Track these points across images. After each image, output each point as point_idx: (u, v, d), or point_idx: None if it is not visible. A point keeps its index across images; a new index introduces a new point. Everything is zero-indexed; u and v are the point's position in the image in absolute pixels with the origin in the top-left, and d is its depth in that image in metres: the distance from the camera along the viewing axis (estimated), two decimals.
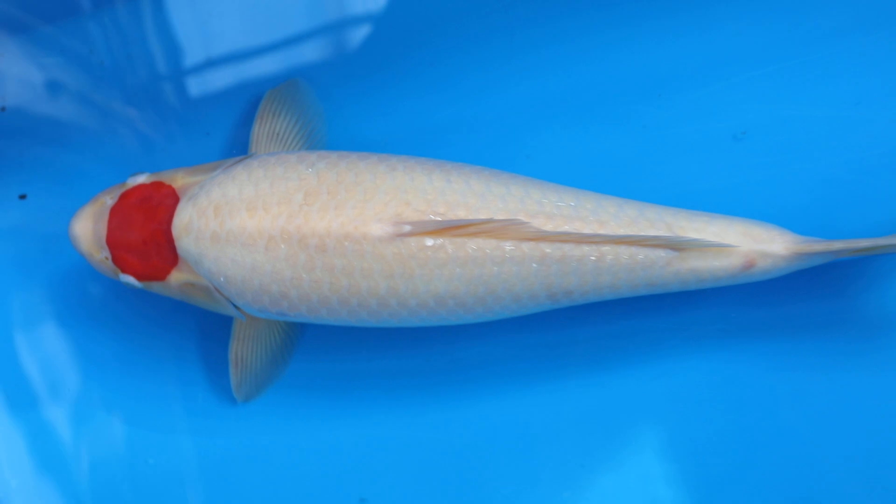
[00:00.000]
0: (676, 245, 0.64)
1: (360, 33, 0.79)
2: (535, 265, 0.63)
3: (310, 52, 0.80)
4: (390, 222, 0.63)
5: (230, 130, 0.80)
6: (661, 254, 0.64)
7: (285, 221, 0.64)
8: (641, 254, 0.64)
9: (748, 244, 0.65)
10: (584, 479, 0.72)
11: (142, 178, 0.70)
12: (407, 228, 0.62)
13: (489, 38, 0.77)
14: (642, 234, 0.64)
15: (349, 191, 0.64)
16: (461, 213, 0.63)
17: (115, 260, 0.69)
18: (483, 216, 0.63)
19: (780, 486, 0.70)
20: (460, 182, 0.65)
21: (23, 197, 0.81)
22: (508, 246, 0.63)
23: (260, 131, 0.75)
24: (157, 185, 0.69)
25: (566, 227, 0.63)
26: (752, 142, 0.72)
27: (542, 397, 0.73)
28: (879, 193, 0.70)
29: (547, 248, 0.63)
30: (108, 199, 0.70)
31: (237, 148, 0.80)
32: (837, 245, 0.64)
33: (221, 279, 0.66)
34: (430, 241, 0.63)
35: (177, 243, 0.66)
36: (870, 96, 0.71)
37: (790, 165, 0.72)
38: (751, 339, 0.71)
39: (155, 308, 0.79)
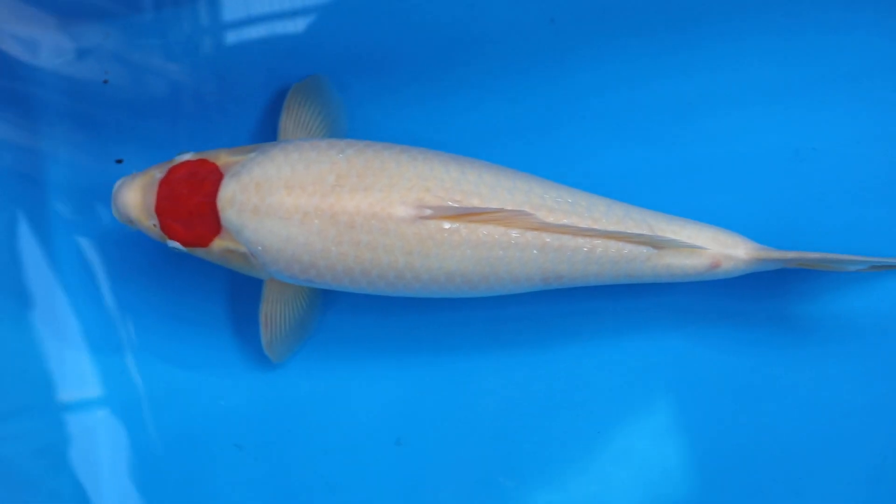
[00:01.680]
0: (656, 243, 0.74)
1: (387, 34, 0.87)
2: (535, 251, 0.73)
3: (333, 51, 0.88)
4: (413, 206, 0.72)
5: (263, 116, 0.89)
6: (642, 250, 0.74)
7: (319, 200, 0.73)
8: (626, 248, 0.74)
9: (716, 247, 0.76)
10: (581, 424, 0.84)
11: (188, 156, 0.79)
12: (428, 212, 0.72)
13: (508, 46, 0.86)
14: (628, 231, 0.74)
15: (376, 176, 0.74)
16: (475, 202, 0.73)
17: (162, 227, 0.77)
18: (494, 205, 0.73)
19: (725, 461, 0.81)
20: (474, 174, 0.75)
21: (119, 161, 0.90)
22: (514, 233, 0.73)
23: (287, 120, 0.84)
24: (202, 163, 0.78)
25: (565, 221, 0.74)
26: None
27: (533, 358, 0.84)
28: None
29: (547, 238, 0.73)
30: (157, 173, 0.78)
31: (268, 133, 0.89)
32: (790, 255, 0.75)
33: (259, 248, 0.75)
34: (447, 225, 0.72)
35: (221, 214, 0.75)
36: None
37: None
38: (708, 325, 0.82)
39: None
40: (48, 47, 0.90)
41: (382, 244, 0.73)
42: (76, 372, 0.89)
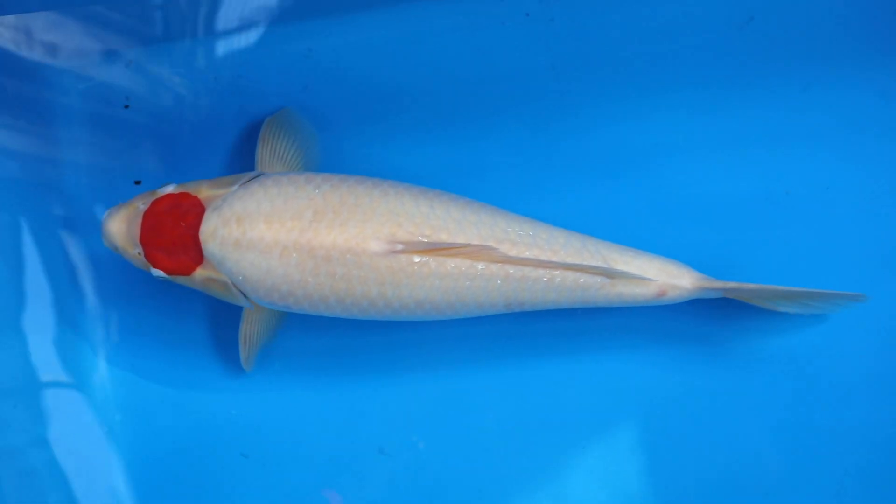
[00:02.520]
0: (609, 274, 0.80)
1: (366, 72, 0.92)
2: (499, 282, 0.79)
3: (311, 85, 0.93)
4: (386, 240, 0.78)
5: (238, 145, 0.94)
6: (596, 279, 0.80)
7: (298, 234, 0.78)
8: (582, 278, 0.80)
9: (663, 277, 0.82)
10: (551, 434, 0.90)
11: (170, 188, 0.83)
12: (400, 247, 0.77)
13: (485, 85, 0.91)
14: (584, 263, 0.80)
15: (350, 211, 0.78)
16: (443, 236, 0.78)
17: (146, 256, 0.82)
18: (461, 239, 0.78)
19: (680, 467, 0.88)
20: (441, 208, 0.80)
21: (138, 182, 0.94)
22: (480, 266, 0.78)
23: (263, 152, 0.88)
24: (184, 196, 0.82)
25: (527, 254, 0.79)
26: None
27: (500, 364, 0.91)
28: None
29: (510, 269, 0.79)
30: (141, 205, 0.82)
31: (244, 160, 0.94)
32: (730, 285, 0.81)
33: (240, 277, 0.80)
34: (417, 259, 0.78)
35: (203, 246, 0.80)
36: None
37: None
38: (654, 345, 0.89)
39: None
40: (73, 73, 0.94)
41: (357, 276, 0.78)
42: (88, 382, 0.94)
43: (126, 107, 0.95)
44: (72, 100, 0.95)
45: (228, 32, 0.93)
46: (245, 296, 0.82)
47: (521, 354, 0.90)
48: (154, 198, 0.82)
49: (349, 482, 0.92)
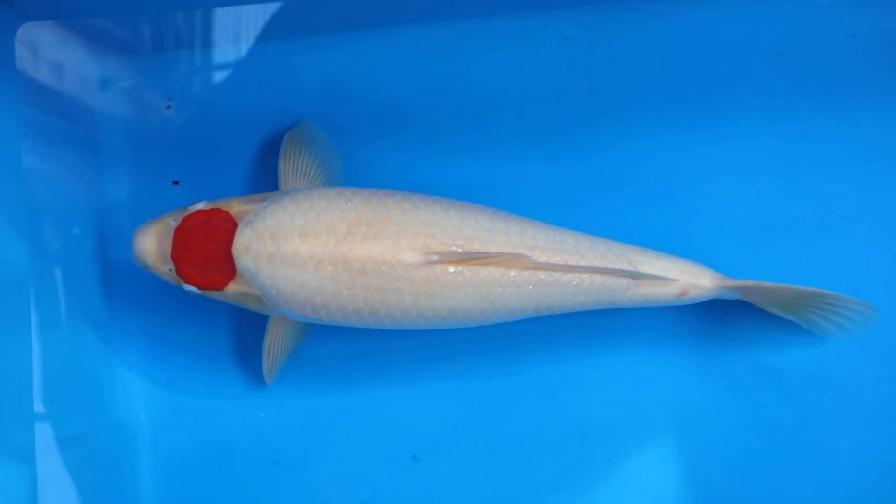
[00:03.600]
0: (634, 276, 0.83)
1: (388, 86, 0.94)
2: (531, 287, 0.81)
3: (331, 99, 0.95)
4: (421, 252, 0.79)
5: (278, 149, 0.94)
6: (623, 281, 0.83)
7: (333, 247, 0.79)
8: (609, 280, 0.82)
9: (685, 278, 0.85)
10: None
11: (201, 205, 0.83)
12: (436, 258, 0.79)
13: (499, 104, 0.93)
14: (611, 266, 0.82)
15: (384, 224, 0.80)
16: (476, 246, 0.80)
17: (178, 272, 0.82)
18: (493, 248, 0.80)
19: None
20: (471, 219, 0.82)
21: (176, 182, 0.95)
22: (513, 273, 0.80)
23: (286, 167, 0.89)
24: (216, 211, 0.83)
25: (556, 259, 0.81)
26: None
27: (527, 366, 0.93)
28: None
29: (542, 275, 0.81)
30: (171, 221, 0.83)
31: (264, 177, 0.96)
32: (749, 284, 0.84)
33: (273, 291, 0.81)
34: (452, 269, 0.79)
35: (236, 261, 0.80)
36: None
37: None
38: (675, 343, 0.92)
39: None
40: (116, 72, 0.95)
41: (392, 287, 0.79)
42: (124, 390, 0.95)
43: (168, 107, 0.95)
44: (114, 98, 0.96)
45: (273, 38, 0.94)
46: (276, 309, 0.83)
47: (544, 355, 0.93)
48: (185, 214, 0.83)
49: (382, 488, 0.93)
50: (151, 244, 0.83)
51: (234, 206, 0.83)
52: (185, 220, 0.83)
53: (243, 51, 0.95)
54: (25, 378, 0.85)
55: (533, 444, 0.92)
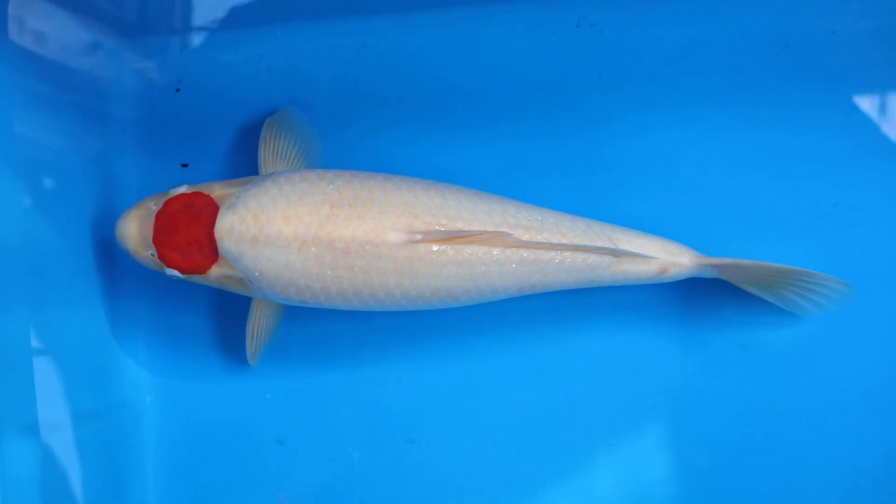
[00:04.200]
0: (615, 253, 0.84)
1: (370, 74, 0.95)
2: (513, 266, 0.82)
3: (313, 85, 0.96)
4: (404, 231, 0.80)
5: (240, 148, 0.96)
6: (604, 259, 0.84)
7: (317, 229, 0.79)
8: (591, 258, 0.83)
9: (664, 256, 0.86)
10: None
11: (182, 189, 0.83)
12: (419, 237, 0.79)
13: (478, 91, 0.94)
14: (591, 244, 0.83)
15: (366, 205, 0.80)
16: (459, 225, 0.81)
17: (160, 256, 0.82)
18: (476, 227, 0.81)
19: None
20: (453, 199, 0.82)
21: (185, 165, 0.96)
22: (496, 251, 0.81)
23: (266, 151, 0.89)
24: (197, 195, 0.83)
25: (538, 238, 0.82)
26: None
27: (512, 346, 0.94)
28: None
29: (524, 253, 0.82)
30: (153, 205, 0.83)
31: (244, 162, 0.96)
32: (726, 261, 0.85)
33: (256, 273, 0.81)
34: (435, 247, 0.80)
35: (219, 244, 0.80)
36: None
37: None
38: (653, 320, 0.93)
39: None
40: (127, 54, 0.96)
41: (376, 267, 0.80)
42: (130, 370, 0.96)
43: (177, 90, 0.95)
44: (124, 80, 0.96)
45: (283, 22, 0.95)
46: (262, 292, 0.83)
47: (524, 335, 0.94)
48: (166, 198, 0.83)
49: (380, 470, 0.94)
50: (132, 229, 0.83)
51: (216, 190, 0.83)
52: (166, 203, 0.82)
53: (253, 35, 0.95)
54: (31, 356, 0.84)
55: (517, 424, 0.93)
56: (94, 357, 0.93)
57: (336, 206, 0.80)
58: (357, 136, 0.95)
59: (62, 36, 0.91)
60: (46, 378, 0.86)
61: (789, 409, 0.90)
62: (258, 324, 0.89)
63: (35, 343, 0.84)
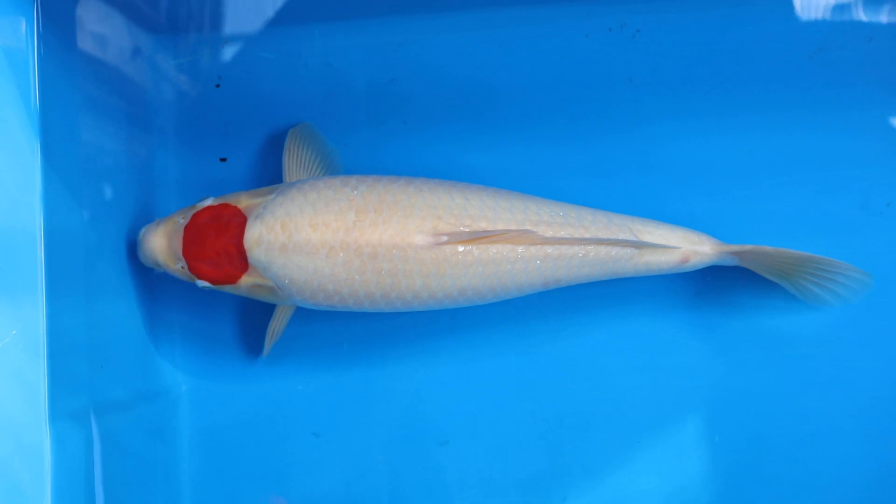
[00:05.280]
0: (637, 245, 0.85)
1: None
2: (538, 262, 0.83)
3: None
4: (429, 233, 0.81)
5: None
6: (626, 251, 0.85)
7: (344, 234, 0.81)
8: (614, 251, 0.84)
9: (686, 245, 0.87)
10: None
11: (209, 201, 0.85)
12: (444, 239, 0.81)
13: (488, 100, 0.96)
14: (613, 237, 0.85)
15: (391, 209, 0.82)
16: (483, 224, 0.82)
17: (191, 269, 0.84)
18: (500, 226, 0.82)
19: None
20: (475, 199, 0.84)
21: (223, 160, 0.97)
22: (521, 249, 0.82)
23: (290, 161, 0.91)
24: (225, 206, 0.84)
25: (562, 233, 0.83)
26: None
27: (538, 339, 0.96)
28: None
29: (548, 250, 0.83)
30: (181, 219, 0.84)
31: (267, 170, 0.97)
32: (747, 248, 0.86)
33: (286, 281, 0.82)
34: (461, 248, 0.81)
35: (248, 254, 0.82)
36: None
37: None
38: (675, 309, 0.94)
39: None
40: (168, 50, 0.97)
41: (402, 270, 0.81)
42: (167, 360, 0.98)
43: (217, 86, 0.97)
44: (165, 74, 0.97)
45: (321, 21, 0.96)
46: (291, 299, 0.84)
47: (547, 329, 0.96)
48: (194, 211, 0.84)
49: (413, 469, 0.96)
50: (161, 243, 0.84)
51: (242, 200, 0.84)
52: (194, 216, 0.84)
53: (291, 33, 0.96)
54: (79, 343, 0.85)
55: (539, 419, 0.95)
56: (134, 347, 0.94)
57: (361, 211, 0.81)
58: (390, 134, 0.96)
59: (105, 32, 0.92)
60: (91, 365, 0.87)
61: (808, 394, 0.92)
62: (280, 325, 0.92)
63: (83, 331, 0.85)
